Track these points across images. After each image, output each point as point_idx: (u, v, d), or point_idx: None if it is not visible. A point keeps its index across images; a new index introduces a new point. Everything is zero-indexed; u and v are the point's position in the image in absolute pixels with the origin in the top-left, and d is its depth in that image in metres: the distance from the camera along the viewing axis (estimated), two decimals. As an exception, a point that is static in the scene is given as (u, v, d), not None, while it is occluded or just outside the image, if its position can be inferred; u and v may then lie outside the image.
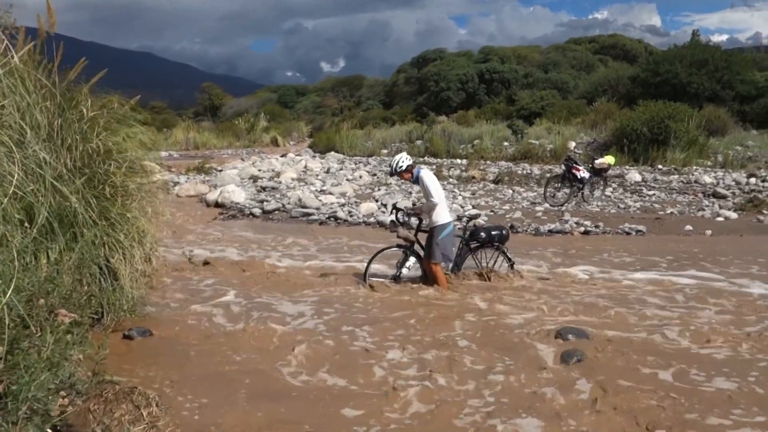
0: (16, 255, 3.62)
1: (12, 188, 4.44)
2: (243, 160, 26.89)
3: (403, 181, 8.98)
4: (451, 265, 8.21)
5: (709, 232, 11.64)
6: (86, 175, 5.62)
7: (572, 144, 27.07)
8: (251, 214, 14.20)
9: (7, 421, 3.04)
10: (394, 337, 6.10)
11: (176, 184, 18.56)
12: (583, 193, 14.97)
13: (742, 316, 6.75)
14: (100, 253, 5.78)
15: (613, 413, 4.41)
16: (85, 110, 6.01)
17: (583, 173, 14.76)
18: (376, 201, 14.92)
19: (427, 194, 7.78)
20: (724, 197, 15.73)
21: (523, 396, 4.76)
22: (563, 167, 15.39)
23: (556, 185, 15.32)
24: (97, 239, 5.70)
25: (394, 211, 8.49)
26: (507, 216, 13.33)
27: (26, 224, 4.81)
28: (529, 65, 49.54)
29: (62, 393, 3.55)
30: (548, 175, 18.40)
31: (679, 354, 5.56)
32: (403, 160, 8.02)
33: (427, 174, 7.91)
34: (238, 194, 15.57)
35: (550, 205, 14.59)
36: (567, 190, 14.95)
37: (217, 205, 15.39)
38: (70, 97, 6.03)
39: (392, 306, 7.25)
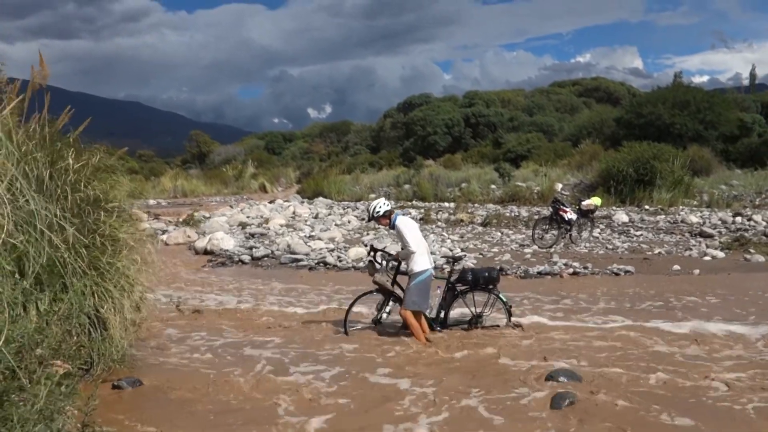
0: (6, 306, 3.62)
1: (2, 238, 4.47)
2: (231, 207, 26.89)
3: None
4: (429, 311, 7.94)
5: (696, 271, 11.71)
6: (75, 225, 5.64)
7: (559, 186, 27.30)
8: (240, 261, 14.19)
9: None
10: (378, 385, 6.09)
11: (164, 231, 18.53)
12: (571, 235, 15.06)
13: (731, 357, 6.78)
14: (90, 303, 5.78)
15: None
16: (71, 160, 6.05)
17: (570, 215, 14.88)
18: (365, 246, 14.94)
19: (403, 242, 7.60)
20: (710, 236, 15.85)
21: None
22: (551, 209, 15.51)
23: (544, 227, 15.42)
24: (87, 289, 5.70)
25: (372, 252, 8.29)
26: (496, 258, 13.38)
27: (17, 275, 4.82)
28: (513, 109, 50.19)
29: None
30: (536, 217, 18.51)
31: (674, 397, 5.57)
32: (381, 205, 7.86)
33: (403, 221, 7.73)
34: (226, 241, 15.58)
35: (539, 247, 14.66)
36: (555, 232, 15.05)
37: (206, 252, 15.36)
38: (59, 147, 6.09)
39: (373, 352, 7.27)
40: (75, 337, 5.42)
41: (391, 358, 6.96)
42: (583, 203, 15.61)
